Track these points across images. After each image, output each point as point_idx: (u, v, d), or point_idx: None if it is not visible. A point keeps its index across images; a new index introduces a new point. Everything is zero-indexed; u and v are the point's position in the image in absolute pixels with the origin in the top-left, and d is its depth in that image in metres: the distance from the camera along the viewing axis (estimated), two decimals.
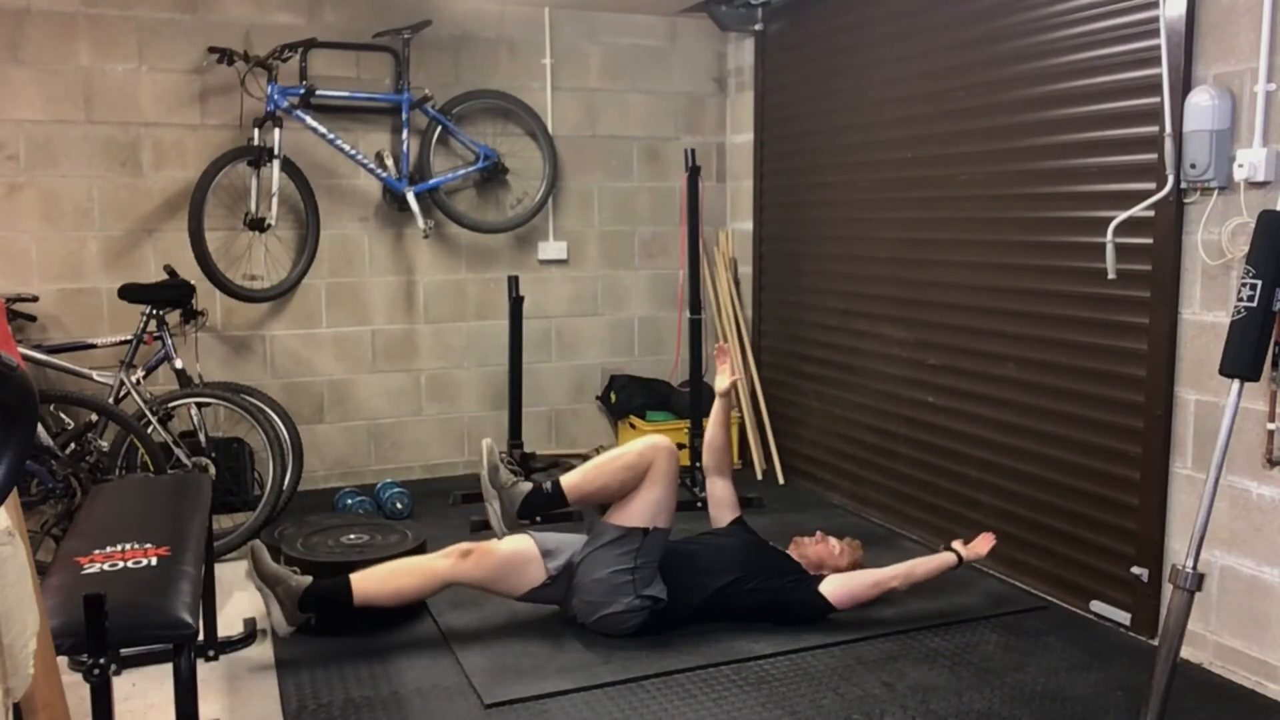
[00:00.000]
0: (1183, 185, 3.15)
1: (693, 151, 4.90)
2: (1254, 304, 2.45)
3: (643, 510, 3.31)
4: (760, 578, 3.44)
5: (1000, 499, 3.98)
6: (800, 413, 5.29)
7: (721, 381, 3.91)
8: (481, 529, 4.45)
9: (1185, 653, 3.17)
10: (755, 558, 3.50)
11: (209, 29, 4.77)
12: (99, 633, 1.96)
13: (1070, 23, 3.56)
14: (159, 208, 4.79)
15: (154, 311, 4.39)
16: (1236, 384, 2.50)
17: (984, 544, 3.61)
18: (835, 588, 3.44)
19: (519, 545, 3.33)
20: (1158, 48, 3.18)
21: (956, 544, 3.60)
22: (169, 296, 4.43)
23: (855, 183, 4.74)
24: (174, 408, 4.30)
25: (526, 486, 3.28)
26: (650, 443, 3.37)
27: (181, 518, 2.75)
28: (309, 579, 3.21)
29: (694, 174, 4.87)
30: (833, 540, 3.64)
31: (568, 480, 3.30)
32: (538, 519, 3.37)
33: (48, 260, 4.65)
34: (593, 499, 3.33)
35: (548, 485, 3.30)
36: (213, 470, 4.34)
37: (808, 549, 3.62)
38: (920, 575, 3.49)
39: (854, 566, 3.61)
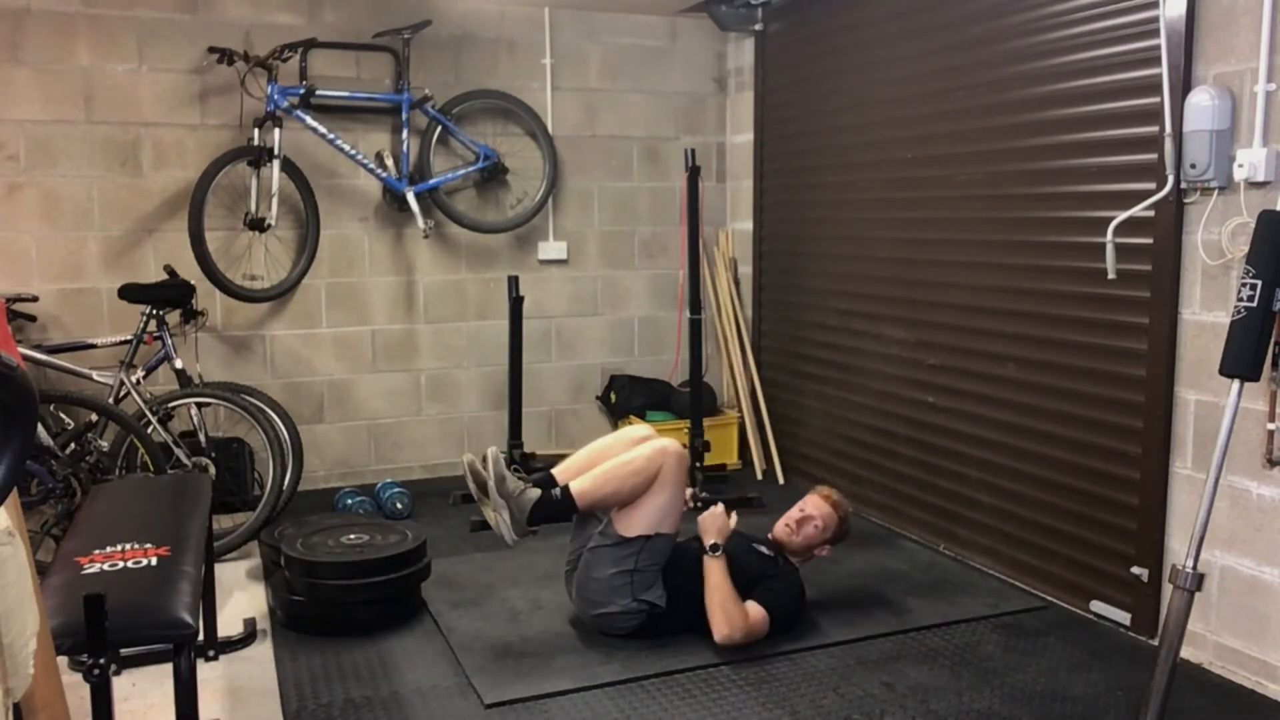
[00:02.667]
0: (1183, 185, 3.15)
1: (693, 151, 4.89)
2: (1254, 304, 2.45)
3: (647, 516, 3.32)
4: (743, 586, 3.41)
5: (1000, 499, 3.97)
6: (800, 413, 5.29)
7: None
8: (480, 529, 4.45)
9: (1185, 653, 3.17)
10: (740, 565, 3.44)
11: (209, 29, 4.77)
12: (99, 633, 1.96)
13: (1070, 23, 3.56)
14: (159, 208, 4.79)
15: (154, 311, 4.39)
16: (1236, 384, 2.50)
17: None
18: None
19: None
20: (1158, 48, 3.18)
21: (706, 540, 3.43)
22: (169, 296, 4.42)
23: (855, 183, 4.73)
24: (174, 408, 4.30)
25: (535, 493, 3.28)
26: (659, 447, 3.35)
27: (181, 518, 2.75)
28: (538, 493, 3.28)
29: (694, 174, 4.87)
30: (809, 515, 3.55)
31: (577, 487, 3.31)
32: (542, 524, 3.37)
33: (48, 260, 4.65)
34: (602, 505, 3.34)
35: (556, 492, 3.31)
36: (213, 470, 4.34)
37: (794, 544, 3.56)
38: (725, 598, 3.30)
39: (844, 520, 3.59)
